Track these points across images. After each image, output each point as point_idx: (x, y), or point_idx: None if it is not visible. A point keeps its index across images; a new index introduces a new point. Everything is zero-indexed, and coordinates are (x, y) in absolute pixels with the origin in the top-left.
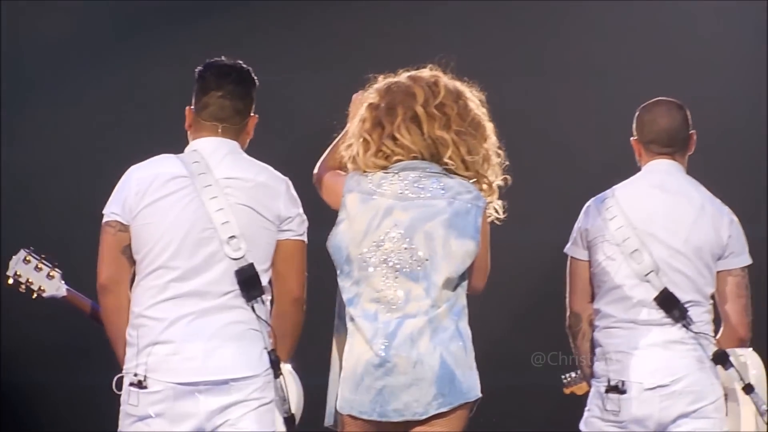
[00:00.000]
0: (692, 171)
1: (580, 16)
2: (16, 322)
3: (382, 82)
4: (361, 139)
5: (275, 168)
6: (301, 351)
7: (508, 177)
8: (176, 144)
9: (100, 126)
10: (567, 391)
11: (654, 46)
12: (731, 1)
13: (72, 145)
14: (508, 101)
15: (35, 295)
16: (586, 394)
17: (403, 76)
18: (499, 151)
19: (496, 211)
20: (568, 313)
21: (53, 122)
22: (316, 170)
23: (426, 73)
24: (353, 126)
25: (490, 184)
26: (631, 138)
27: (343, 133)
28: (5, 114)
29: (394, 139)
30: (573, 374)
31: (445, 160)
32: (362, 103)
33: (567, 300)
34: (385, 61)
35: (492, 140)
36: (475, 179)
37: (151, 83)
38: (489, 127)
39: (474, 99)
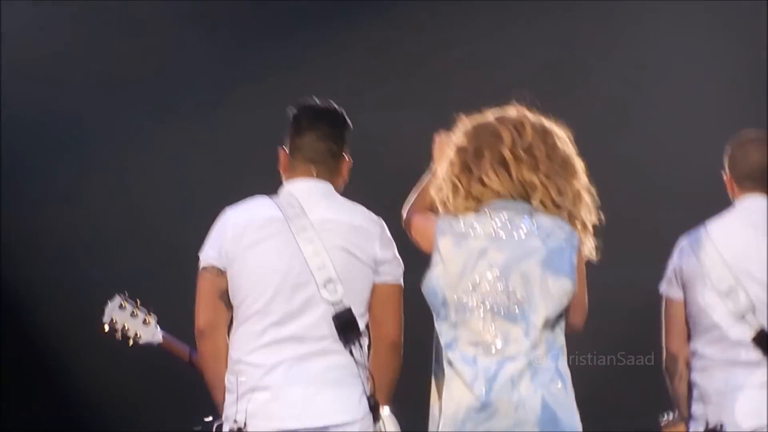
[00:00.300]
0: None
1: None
2: (113, 370)
3: (468, 122)
4: (451, 184)
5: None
6: (399, 396)
7: (602, 216)
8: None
9: (189, 166)
10: None
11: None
12: (731, 1)
13: (156, 189)
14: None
15: (131, 342)
16: None
17: (489, 116)
18: (591, 189)
19: (591, 252)
20: (664, 355)
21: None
22: (405, 213)
23: (512, 112)
24: (442, 169)
25: (583, 223)
26: (723, 172)
27: (429, 173)
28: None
29: (482, 182)
30: (671, 414)
31: (536, 201)
32: (449, 145)
33: (663, 341)
34: (470, 99)
35: (582, 178)
36: (568, 220)
37: (241, 121)
38: (579, 165)
39: (562, 136)
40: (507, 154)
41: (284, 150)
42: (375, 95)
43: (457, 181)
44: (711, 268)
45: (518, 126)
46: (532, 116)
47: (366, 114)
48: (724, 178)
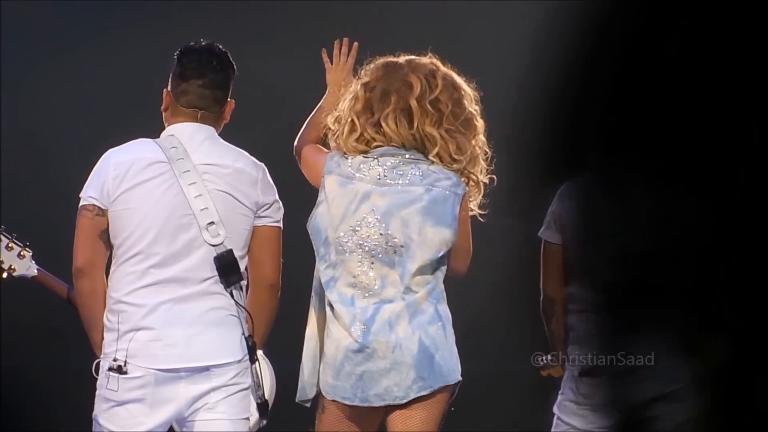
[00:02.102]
0: None
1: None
2: None
3: (380, 62)
4: (349, 120)
5: (253, 154)
6: (272, 335)
7: (494, 176)
8: (150, 127)
9: (76, 109)
10: (544, 373)
11: None
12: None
13: (50, 129)
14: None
15: (5, 274)
16: (561, 378)
17: (402, 59)
18: (487, 150)
19: (480, 208)
20: (541, 297)
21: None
22: (296, 141)
23: (425, 60)
24: (345, 101)
25: (476, 182)
26: None
27: (322, 102)
28: None
29: (379, 126)
30: (549, 357)
31: (433, 155)
32: (351, 76)
33: (541, 284)
34: (372, 49)
35: (481, 139)
36: (461, 176)
37: (127, 64)
38: (480, 124)
39: (470, 93)
40: (414, 104)
41: (169, 93)
42: (272, 40)
43: (356, 119)
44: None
45: (429, 77)
46: (444, 69)
47: (260, 59)
48: None
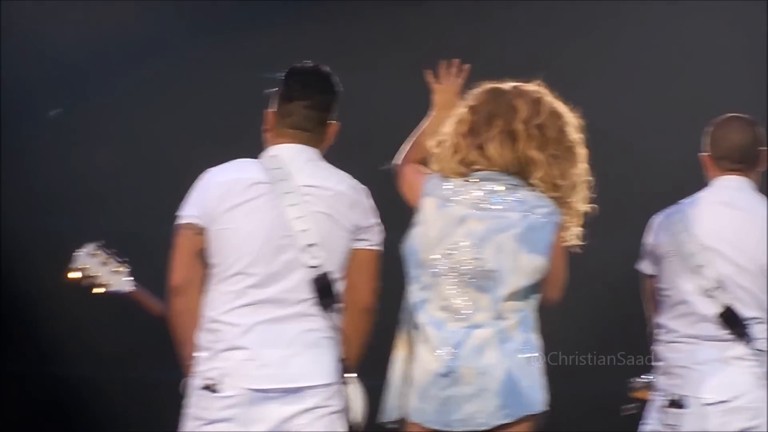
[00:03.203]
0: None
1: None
2: (74, 316)
3: (486, 86)
4: (453, 143)
5: (354, 174)
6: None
7: (596, 206)
8: (249, 148)
9: (169, 126)
10: (639, 395)
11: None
12: (731, 1)
13: (141, 144)
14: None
15: (98, 289)
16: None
17: (508, 85)
18: (590, 181)
19: (577, 238)
20: (649, 325)
21: (118, 120)
22: (398, 160)
23: (531, 88)
24: (449, 124)
25: (576, 211)
26: (702, 153)
27: (426, 123)
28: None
29: (482, 149)
30: (643, 378)
31: (534, 181)
32: (458, 98)
33: (647, 314)
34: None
35: (584, 168)
36: (560, 205)
37: (219, 83)
38: (583, 153)
39: (573, 122)
40: (519, 127)
41: (273, 113)
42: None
43: (460, 142)
44: (681, 245)
45: (535, 102)
46: (549, 96)
47: (358, 77)
48: (703, 158)
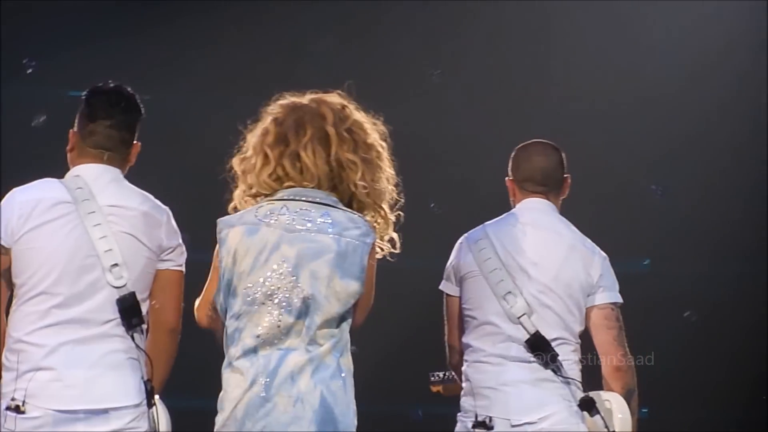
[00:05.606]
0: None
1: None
2: None
3: (287, 98)
4: (262, 154)
5: (156, 194)
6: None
7: (401, 213)
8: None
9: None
10: (434, 389)
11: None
12: (732, 1)
13: None
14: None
15: None
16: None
17: (308, 98)
18: (395, 187)
19: (392, 245)
20: (447, 350)
21: None
22: (196, 312)
23: (334, 98)
24: (253, 138)
25: (386, 217)
26: (506, 177)
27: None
28: None
29: (296, 157)
30: (441, 374)
31: (351, 185)
32: (264, 116)
33: (446, 337)
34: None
35: (391, 174)
36: (373, 212)
37: (27, 101)
38: (388, 160)
39: (377, 130)
40: (331, 131)
41: (75, 133)
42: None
43: (269, 152)
44: (490, 272)
45: (339, 108)
46: (352, 106)
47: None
48: (508, 182)
